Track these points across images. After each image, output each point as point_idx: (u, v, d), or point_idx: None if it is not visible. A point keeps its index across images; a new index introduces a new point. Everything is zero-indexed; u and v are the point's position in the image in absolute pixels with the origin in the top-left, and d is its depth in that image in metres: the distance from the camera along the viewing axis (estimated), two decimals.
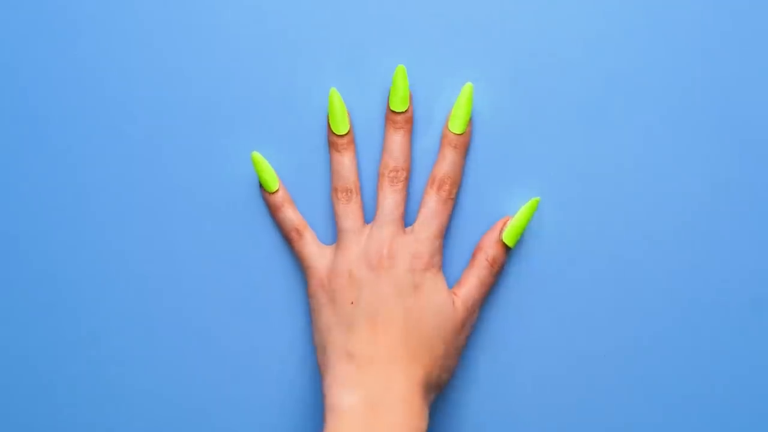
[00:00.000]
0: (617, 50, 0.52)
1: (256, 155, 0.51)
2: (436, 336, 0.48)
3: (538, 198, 0.50)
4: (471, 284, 0.50)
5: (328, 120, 0.51)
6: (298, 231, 0.51)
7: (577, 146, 0.53)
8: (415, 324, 0.47)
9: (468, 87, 0.50)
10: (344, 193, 0.50)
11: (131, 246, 0.54)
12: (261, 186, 0.52)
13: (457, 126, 0.50)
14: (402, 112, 0.50)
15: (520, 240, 0.52)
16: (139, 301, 0.54)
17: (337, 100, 0.50)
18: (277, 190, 0.51)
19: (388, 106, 0.50)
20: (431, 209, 0.49)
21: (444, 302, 0.48)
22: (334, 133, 0.51)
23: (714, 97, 0.52)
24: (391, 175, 0.50)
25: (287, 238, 0.52)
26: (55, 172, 0.54)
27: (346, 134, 0.51)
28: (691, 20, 0.52)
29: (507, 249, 0.51)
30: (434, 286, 0.48)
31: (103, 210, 0.54)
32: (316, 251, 0.50)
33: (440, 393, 0.51)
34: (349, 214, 0.50)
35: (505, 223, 0.51)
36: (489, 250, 0.50)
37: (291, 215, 0.51)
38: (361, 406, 0.45)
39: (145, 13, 0.54)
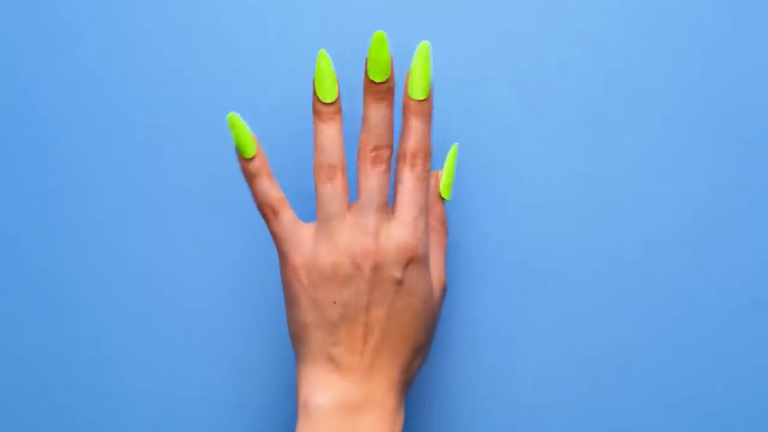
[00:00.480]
0: (617, 50, 0.52)
1: (233, 116, 0.45)
2: (420, 328, 0.45)
3: (456, 143, 0.49)
4: (436, 255, 0.47)
5: (314, 85, 0.45)
6: (273, 208, 0.45)
7: (577, 146, 0.53)
8: (398, 324, 0.45)
9: (424, 46, 0.45)
10: (327, 171, 0.44)
11: (131, 246, 0.54)
12: (237, 152, 0.46)
13: (417, 91, 0.45)
14: (383, 82, 0.44)
15: (520, 240, 0.52)
16: (139, 301, 0.54)
17: (325, 62, 0.44)
18: (254, 156, 0.45)
19: (366, 76, 0.44)
20: (410, 190, 0.45)
21: (428, 293, 0.45)
22: (319, 100, 0.45)
23: (714, 97, 0.52)
24: (373, 154, 0.44)
25: (261, 214, 0.46)
26: (55, 172, 0.54)
27: (333, 102, 0.45)
28: (691, 20, 0.52)
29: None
30: (418, 276, 0.45)
31: (103, 210, 0.54)
32: (292, 234, 0.45)
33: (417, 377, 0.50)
34: (333, 196, 0.44)
35: (437, 180, 0.48)
36: (434, 211, 0.48)
37: (267, 187, 0.45)
38: (337, 412, 0.43)
39: (145, 13, 0.54)
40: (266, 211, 0.45)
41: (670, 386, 0.52)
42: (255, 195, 0.45)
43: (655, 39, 0.52)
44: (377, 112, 0.45)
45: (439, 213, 0.48)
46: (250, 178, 0.45)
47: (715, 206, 0.52)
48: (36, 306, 0.54)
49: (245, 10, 0.54)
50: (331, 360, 0.44)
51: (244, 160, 0.45)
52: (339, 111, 0.45)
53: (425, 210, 0.45)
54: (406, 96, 0.45)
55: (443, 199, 0.48)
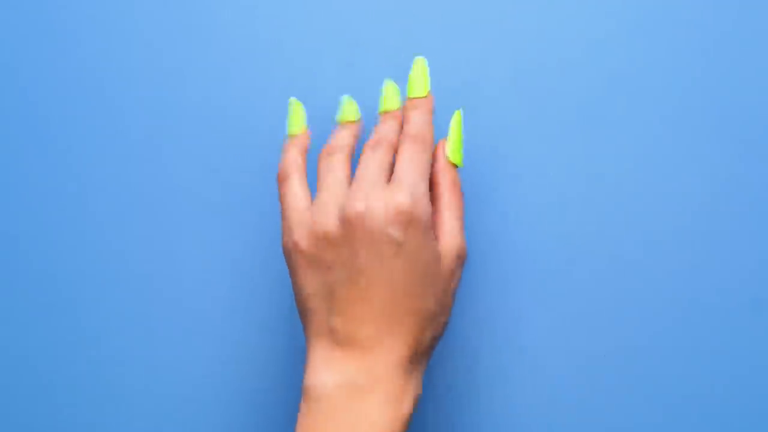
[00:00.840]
0: (617, 51, 0.52)
1: (295, 102, 0.49)
2: (427, 297, 0.43)
3: (460, 109, 0.49)
4: (447, 219, 0.46)
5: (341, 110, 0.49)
6: (287, 174, 0.46)
7: (578, 146, 0.53)
8: (400, 290, 0.43)
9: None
10: (329, 149, 0.47)
11: (131, 246, 0.54)
12: (289, 128, 0.49)
13: (418, 92, 0.49)
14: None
15: (521, 240, 0.52)
16: (139, 301, 0.54)
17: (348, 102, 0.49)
18: (299, 134, 0.48)
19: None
20: (408, 157, 0.45)
21: (432, 259, 0.43)
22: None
23: (714, 97, 0.52)
24: (372, 143, 0.46)
25: (278, 182, 0.47)
26: (55, 172, 0.54)
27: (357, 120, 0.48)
28: (691, 20, 0.52)
29: (456, 169, 0.48)
30: (420, 240, 0.43)
31: (102, 210, 0.54)
32: (295, 200, 0.45)
33: (432, 354, 0.48)
34: (331, 167, 0.45)
35: (444, 146, 0.47)
36: (446, 177, 0.47)
37: (294, 155, 0.47)
38: (338, 392, 0.42)
39: (145, 14, 0.54)
40: (281, 177, 0.47)
41: (670, 386, 0.52)
42: (280, 161, 0.47)
43: (655, 39, 0.52)
44: (386, 122, 0.48)
45: (451, 178, 0.47)
46: (286, 146, 0.48)
47: (715, 206, 0.52)
48: (36, 306, 0.54)
49: (244, 11, 0.54)
50: (333, 334, 0.43)
51: (291, 132, 0.48)
52: (358, 126, 0.48)
53: (426, 176, 0.45)
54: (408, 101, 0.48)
55: (455, 165, 0.47)
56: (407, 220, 0.43)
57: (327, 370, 0.42)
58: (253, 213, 0.53)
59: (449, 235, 0.45)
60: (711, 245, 0.52)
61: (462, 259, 0.45)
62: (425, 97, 0.47)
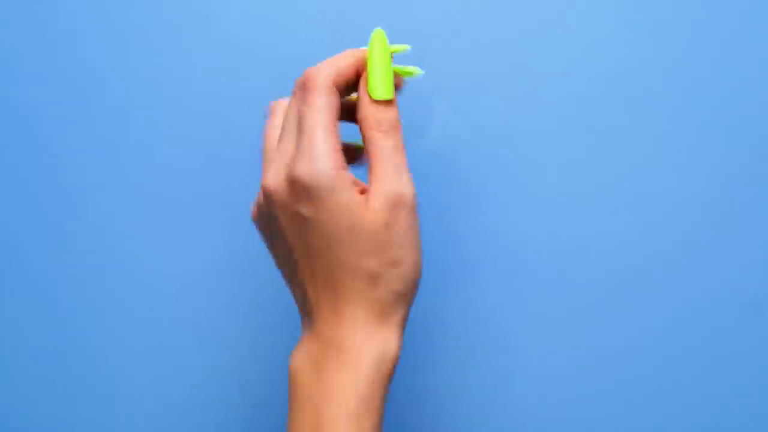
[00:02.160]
0: (618, 50, 0.52)
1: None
2: (361, 255, 0.40)
3: (379, 28, 0.43)
4: (378, 165, 0.41)
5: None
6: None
7: (578, 146, 0.53)
8: (329, 256, 0.40)
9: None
10: (273, 109, 0.45)
11: (131, 246, 0.54)
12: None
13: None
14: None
15: (520, 241, 0.52)
16: (139, 302, 0.54)
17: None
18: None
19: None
20: (307, 114, 0.41)
21: (350, 219, 0.40)
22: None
23: (714, 97, 0.52)
24: (297, 86, 0.42)
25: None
26: (55, 172, 0.54)
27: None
28: (691, 20, 0.52)
29: (388, 104, 0.42)
30: (329, 207, 0.40)
31: (102, 210, 0.54)
32: (271, 143, 0.44)
33: (415, 295, 0.45)
34: (274, 131, 0.44)
35: (365, 81, 0.42)
36: (368, 118, 0.42)
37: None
38: (309, 369, 0.40)
39: (145, 14, 0.54)
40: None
41: (670, 386, 0.52)
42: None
43: (655, 39, 0.52)
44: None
45: (373, 117, 0.42)
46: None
47: (716, 206, 0.52)
48: (36, 306, 0.54)
49: (244, 11, 0.54)
50: (303, 309, 0.42)
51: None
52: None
53: (329, 129, 0.41)
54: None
55: (380, 99, 0.42)
56: (308, 193, 0.40)
57: (298, 351, 0.42)
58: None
59: (379, 183, 0.41)
60: (711, 245, 0.52)
61: (400, 203, 0.41)
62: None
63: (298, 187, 0.40)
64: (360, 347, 0.40)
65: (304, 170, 0.40)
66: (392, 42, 0.52)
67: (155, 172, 0.54)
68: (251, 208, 0.44)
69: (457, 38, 0.53)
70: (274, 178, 0.41)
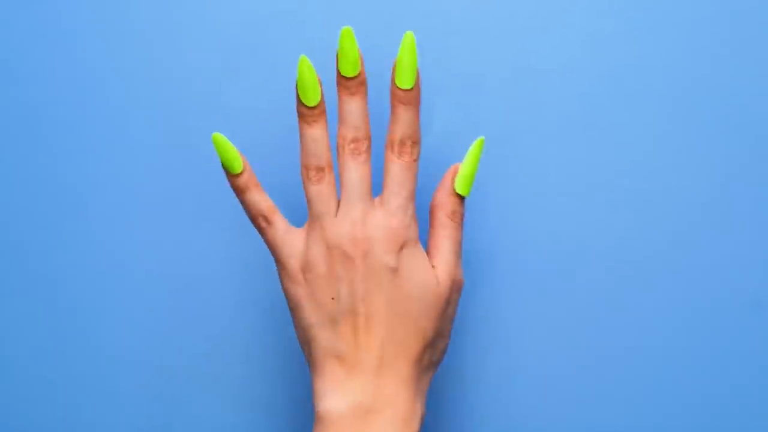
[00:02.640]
0: (618, 50, 0.52)
1: (218, 135, 0.46)
2: (425, 319, 0.45)
3: (482, 138, 0.47)
4: (445, 249, 0.46)
5: (297, 90, 0.45)
6: (266, 218, 0.46)
7: (578, 146, 0.53)
8: (400, 314, 0.44)
9: (409, 35, 0.45)
10: (315, 172, 0.46)
11: (131, 246, 0.54)
12: (224, 168, 0.46)
13: (405, 81, 0.45)
14: (354, 77, 0.45)
15: (520, 241, 0.52)
16: (139, 302, 0.54)
17: (307, 68, 0.45)
18: (241, 172, 0.46)
19: (338, 72, 0.45)
20: (397, 177, 0.45)
21: (427, 280, 0.45)
22: (303, 104, 0.46)
23: (715, 97, 0.52)
24: (352, 146, 0.45)
25: (254, 225, 0.47)
26: (55, 172, 0.54)
27: (317, 105, 0.46)
28: (691, 20, 0.52)
29: (463, 199, 0.47)
30: (414, 263, 0.45)
31: (103, 210, 0.54)
32: (286, 240, 0.46)
33: (437, 372, 0.50)
34: (323, 196, 0.45)
35: (455, 173, 0.47)
36: (447, 206, 0.47)
37: (256, 199, 0.46)
38: (349, 415, 0.43)
39: (145, 14, 0.54)
40: (259, 222, 0.46)
41: (670, 386, 0.52)
42: (246, 208, 0.47)
43: (655, 39, 0.52)
44: (352, 106, 0.46)
45: (451, 207, 0.47)
46: (239, 192, 0.46)
47: (716, 206, 0.52)
48: (36, 306, 0.54)
49: (239, 14, 0.53)
50: (339, 359, 0.44)
51: (232, 176, 0.46)
52: (324, 112, 0.46)
53: (413, 193, 0.46)
54: (394, 85, 0.45)
55: (460, 195, 0.47)
56: (399, 244, 0.45)
57: (337, 395, 0.44)
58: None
59: (446, 264, 0.46)
60: (711, 245, 0.52)
61: (459, 288, 0.47)
62: (413, 88, 0.45)
63: (392, 238, 0.45)
64: (413, 405, 0.44)
65: (400, 225, 0.45)
66: (395, 40, 0.52)
67: (155, 171, 0.54)
68: (290, 273, 0.46)
69: (457, 38, 0.53)
70: (375, 226, 0.45)
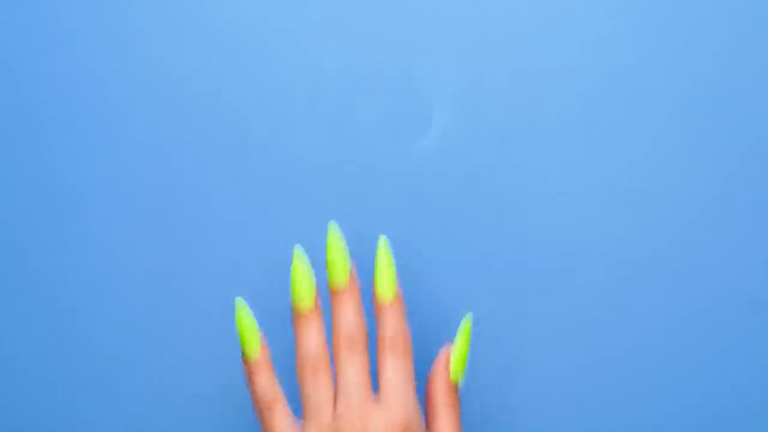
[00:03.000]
0: (617, 50, 0.52)
1: (242, 313, 0.45)
2: None
3: (470, 316, 0.45)
4: None
5: (292, 288, 0.45)
6: (269, 405, 0.44)
7: (578, 146, 0.53)
8: None
9: (382, 240, 0.45)
10: (310, 370, 0.44)
11: (131, 246, 0.54)
12: (241, 349, 0.45)
13: (386, 293, 0.45)
14: (344, 288, 0.45)
15: (520, 241, 0.52)
16: (139, 302, 0.54)
17: (301, 267, 0.44)
18: (257, 358, 0.45)
19: (328, 280, 0.45)
20: (392, 375, 0.44)
21: None
22: (297, 303, 0.45)
23: (715, 97, 0.52)
24: (348, 344, 0.44)
25: (255, 408, 0.45)
26: (55, 172, 0.54)
27: (312, 309, 0.45)
28: (692, 20, 0.52)
29: (457, 387, 0.46)
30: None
31: (103, 210, 0.54)
32: (285, 429, 0.44)
33: None
34: (318, 394, 0.44)
35: (447, 360, 0.45)
36: (443, 393, 0.45)
37: (265, 384, 0.45)
38: None
39: (144, 14, 0.54)
40: (262, 407, 0.45)
41: (669, 386, 0.52)
42: (253, 391, 0.45)
43: (655, 39, 0.52)
44: (345, 315, 0.45)
45: (450, 400, 0.45)
46: (250, 374, 0.45)
47: (716, 206, 0.52)
48: (36, 306, 0.54)
49: (239, 14, 0.54)
50: None
51: (246, 361, 0.45)
52: (320, 315, 0.45)
53: (412, 383, 0.45)
54: (376, 295, 0.45)
55: (455, 382, 0.46)
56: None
57: None
58: (253, 214, 0.53)
59: None
60: (711, 245, 0.52)
61: None
62: (394, 300, 0.45)
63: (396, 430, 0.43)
64: None
65: (403, 418, 0.43)
66: (393, 44, 0.52)
67: (155, 171, 0.54)
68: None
69: (457, 38, 0.53)
70: (375, 428, 0.43)
